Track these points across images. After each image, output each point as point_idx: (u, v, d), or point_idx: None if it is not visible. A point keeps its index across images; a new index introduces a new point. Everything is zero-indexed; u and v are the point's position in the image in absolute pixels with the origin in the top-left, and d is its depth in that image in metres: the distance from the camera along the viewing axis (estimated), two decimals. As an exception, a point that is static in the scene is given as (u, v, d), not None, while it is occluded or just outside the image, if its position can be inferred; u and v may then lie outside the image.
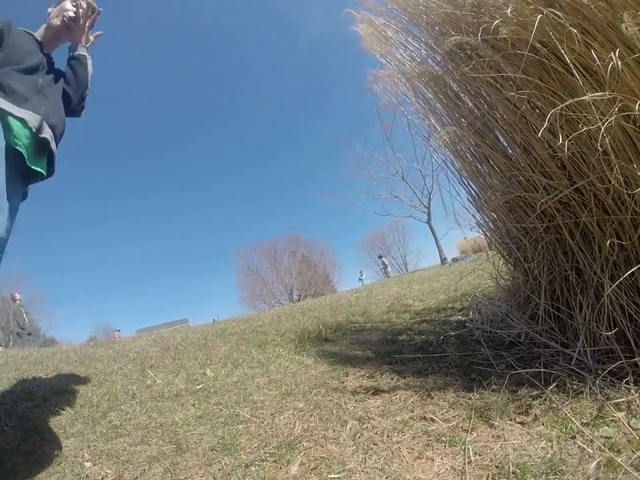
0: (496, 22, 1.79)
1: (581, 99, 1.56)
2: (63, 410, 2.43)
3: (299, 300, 22.37)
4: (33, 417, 2.42)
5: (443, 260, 18.43)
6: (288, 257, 35.40)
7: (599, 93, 1.53)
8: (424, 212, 19.10)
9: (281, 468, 1.47)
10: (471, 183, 2.69)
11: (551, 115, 1.60)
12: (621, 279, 1.60)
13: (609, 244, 1.68)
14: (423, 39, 2.72)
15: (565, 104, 1.59)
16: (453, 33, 2.23)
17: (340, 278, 37.39)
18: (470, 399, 1.71)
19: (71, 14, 1.98)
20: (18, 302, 11.74)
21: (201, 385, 2.51)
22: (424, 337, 2.75)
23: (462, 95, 2.53)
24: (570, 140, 1.62)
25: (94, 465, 1.71)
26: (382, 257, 27.17)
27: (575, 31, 1.63)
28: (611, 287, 1.65)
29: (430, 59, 2.75)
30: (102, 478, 1.61)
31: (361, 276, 24.34)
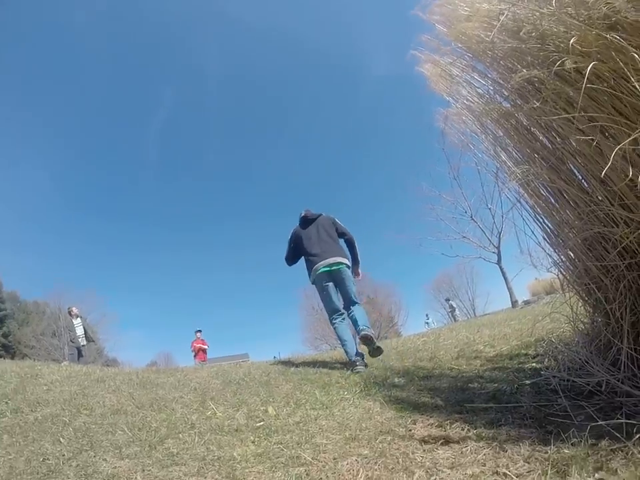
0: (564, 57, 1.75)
1: None
2: (121, 430, 2.48)
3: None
4: (89, 432, 2.50)
5: (514, 303, 17.49)
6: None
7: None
8: (493, 252, 18.37)
9: (342, 518, 1.39)
10: (545, 220, 2.56)
11: (624, 144, 1.52)
12: None
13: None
14: (489, 75, 2.70)
15: (637, 132, 1.50)
16: (519, 67, 2.19)
17: (405, 321, 36.52)
18: (546, 452, 1.56)
19: None
20: (73, 316, 11.93)
21: (262, 422, 2.48)
22: (496, 385, 2.58)
23: (533, 130, 2.45)
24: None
25: None
26: (449, 300, 26.41)
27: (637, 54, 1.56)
28: None
29: (497, 94, 2.70)
30: None
31: (427, 319, 23.68)
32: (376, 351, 4.22)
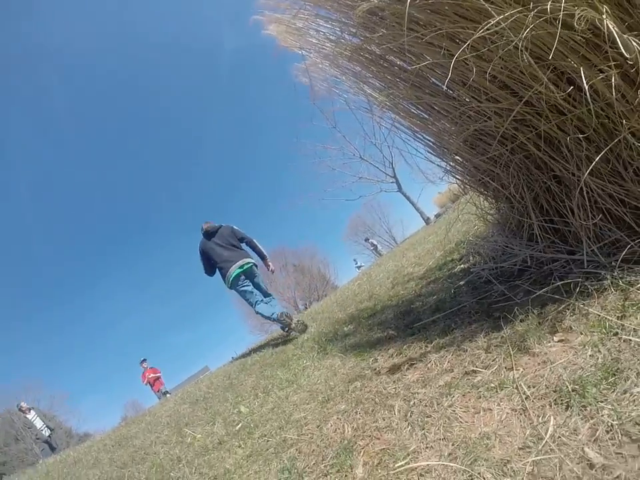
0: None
1: (492, 22, 1.55)
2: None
3: (306, 308, 22.21)
4: None
5: (427, 220, 18.54)
6: (280, 271, 35.16)
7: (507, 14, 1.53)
8: (392, 182, 19.13)
9: (346, 476, 1.41)
10: (424, 135, 2.66)
11: (471, 40, 1.59)
12: (592, 166, 1.59)
13: (575, 140, 1.67)
14: (333, 17, 2.69)
15: (479, 34, 1.58)
16: (359, 2, 2.20)
17: (337, 274, 37.31)
18: (502, 337, 1.67)
19: None
20: (23, 412, 10.98)
21: (240, 425, 2.44)
22: (436, 297, 2.73)
23: (388, 57, 2.50)
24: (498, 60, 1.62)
25: None
26: (368, 239, 27.21)
27: None
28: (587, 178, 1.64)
29: (345, 33, 2.71)
30: None
31: (357, 264, 24.24)
32: (302, 325, 4.51)
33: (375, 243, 26.46)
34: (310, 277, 34.63)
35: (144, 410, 8.18)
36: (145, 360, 13.69)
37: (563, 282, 1.71)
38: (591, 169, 1.70)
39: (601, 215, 1.71)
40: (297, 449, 1.76)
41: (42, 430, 10.57)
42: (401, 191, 19.21)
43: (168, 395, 11.44)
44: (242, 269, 5.06)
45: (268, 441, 2.00)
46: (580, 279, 1.66)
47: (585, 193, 1.73)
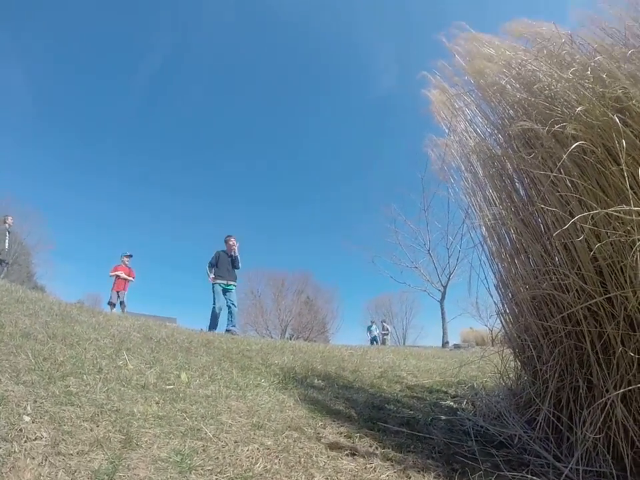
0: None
1: (625, 208, 1.52)
2: (25, 355, 2.33)
3: (291, 339, 21.90)
4: None
5: (445, 343, 17.96)
6: (293, 294, 35.10)
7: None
8: (439, 290, 18.78)
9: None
10: (502, 269, 2.60)
11: (596, 215, 1.57)
12: (622, 390, 1.49)
13: (628, 362, 1.58)
14: (491, 118, 2.73)
15: (610, 210, 1.56)
16: (523, 119, 2.23)
17: (336, 331, 36.73)
18: (448, 489, 1.56)
19: None
20: (7, 225, 10.88)
21: (172, 386, 2.39)
22: (412, 412, 2.60)
23: (516, 181, 2.50)
24: (607, 245, 1.58)
25: (32, 422, 1.59)
26: (384, 322, 26.69)
27: (638, 141, 1.61)
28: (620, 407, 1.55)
29: (493, 138, 2.73)
30: (35, 438, 1.48)
31: (371, 326, 23.40)
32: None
33: (389, 329, 25.91)
34: (313, 317, 34.38)
35: (100, 309, 8.27)
36: (130, 256, 11.76)
37: (532, 478, 1.60)
38: (624, 397, 1.61)
39: (604, 439, 1.62)
40: (203, 446, 1.69)
41: (5, 251, 10.58)
42: (441, 303, 18.80)
43: (125, 308, 10.98)
44: (226, 286, 8.23)
45: (185, 419, 1.94)
46: None
47: (604, 413, 1.64)
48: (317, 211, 60.90)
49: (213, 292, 7.99)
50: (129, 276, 11.38)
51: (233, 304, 8.02)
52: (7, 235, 10.78)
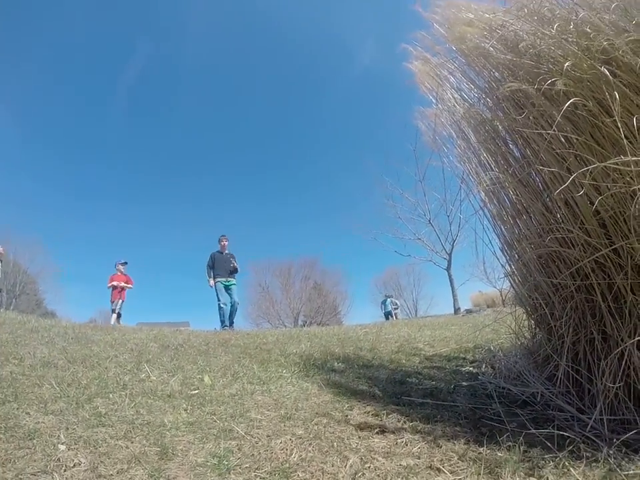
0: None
1: (623, 159, 1.52)
2: (49, 384, 2.36)
3: (304, 326, 21.99)
4: (15, 383, 2.36)
5: (457, 310, 18.00)
6: (300, 280, 35.07)
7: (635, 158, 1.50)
8: (444, 258, 18.72)
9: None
10: (505, 231, 2.61)
11: (595, 169, 1.57)
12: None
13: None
14: (477, 82, 2.71)
15: (608, 162, 1.56)
16: (510, 80, 2.21)
17: (348, 311, 36.90)
18: (479, 452, 1.60)
19: None
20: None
21: (197, 391, 2.43)
22: (434, 383, 2.64)
23: (509, 141, 2.49)
24: (608, 197, 1.58)
25: (68, 450, 1.62)
26: (392, 297, 26.67)
27: (629, 91, 1.60)
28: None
29: (481, 102, 2.71)
30: (74, 465, 1.51)
31: (385, 300, 23.00)
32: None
33: (398, 304, 25.94)
34: (323, 301, 34.46)
35: (113, 324, 8.33)
36: (125, 263, 11.17)
37: (559, 433, 1.64)
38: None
39: (624, 388, 1.64)
40: (237, 445, 1.72)
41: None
42: (448, 271, 18.80)
43: (120, 319, 10.41)
44: (227, 283, 8.76)
45: (215, 421, 1.98)
46: (577, 439, 1.60)
47: (623, 361, 1.67)
48: (317, 197, 60.42)
49: (216, 290, 8.53)
50: (127, 283, 10.92)
51: (234, 301, 8.61)
52: (0, 263, 10.59)
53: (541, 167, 2.04)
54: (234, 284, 8.79)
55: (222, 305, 8.44)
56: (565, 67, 1.77)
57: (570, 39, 1.88)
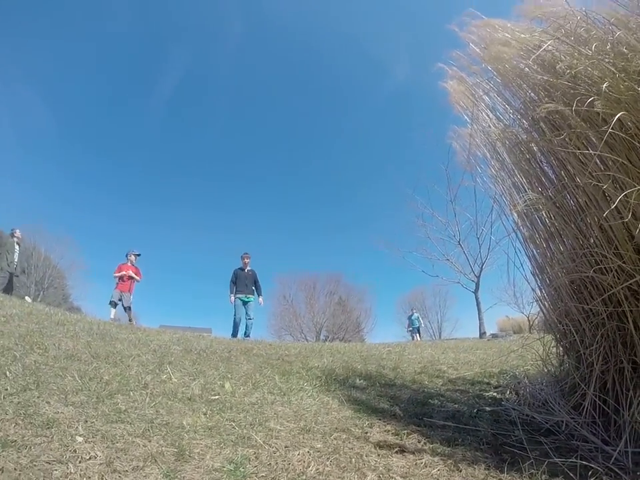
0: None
1: None
2: (71, 376, 2.41)
3: (326, 341, 21.86)
4: (38, 372, 2.40)
5: (482, 334, 17.61)
6: (325, 295, 34.94)
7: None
8: (472, 281, 18.41)
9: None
10: (537, 254, 2.56)
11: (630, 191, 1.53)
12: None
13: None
14: (512, 103, 2.69)
15: None
16: (546, 101, 2.19)
17: (371, 329, 36.48)
18: (500, 479, 1.56)
19: None
20: (15, 239, 10.52)
21: (217, 397, 2.45)
22: (456, 406, 2.59)
23: (544, 164, 2.45)
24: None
25: (85, 442, 1.64)
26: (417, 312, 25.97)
27: None
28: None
29: (517, 123, 2.69)
30: (90, 458, 1.53)
31: (412, 315, 22.27)
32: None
33: (422, 323, 25.44)
34: (347, 317, 34.22)
35: (139, 325, 8.38)
36: (139, 255, 10.44)
37: (582, 463, 1.58)
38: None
39: None
40: (255, 453, 1.72)
41: (15, 263, 10.26)
42: (476, 294, 18.47)
43: (131, 315, 9.93)
44: (246, 299, 9.41)
45: (234, 428, 1.98)
46: (600, 470, 1.54)
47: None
48: (344, 211, 60.33)
49: (234, 305, 9.35)
50: (137, 275, 10.14)
51: (249, 317, 9.32)
52: (16, 248, 10.66)
53: (579, 187, 2.00)
54: (252, 300, 9.47)
55: (237, 319, 9.24)
56: (603, 88, 1.75)
57: (607, 60, 1.86)
